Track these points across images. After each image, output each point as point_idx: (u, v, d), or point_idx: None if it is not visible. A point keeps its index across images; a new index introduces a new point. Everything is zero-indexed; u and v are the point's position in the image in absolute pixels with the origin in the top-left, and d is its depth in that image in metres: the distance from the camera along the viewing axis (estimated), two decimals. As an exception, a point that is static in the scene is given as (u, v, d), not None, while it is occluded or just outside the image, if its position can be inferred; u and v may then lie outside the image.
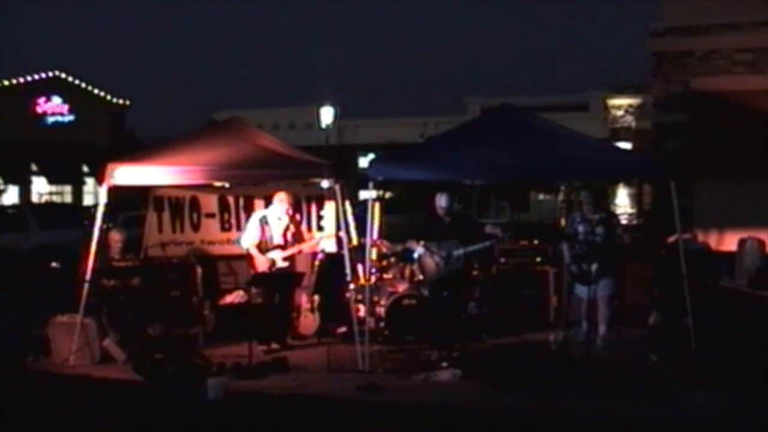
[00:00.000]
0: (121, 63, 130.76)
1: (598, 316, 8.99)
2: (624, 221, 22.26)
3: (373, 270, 9.32)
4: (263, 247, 9.25)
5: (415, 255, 9.21)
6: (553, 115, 21.29)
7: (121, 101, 40.61)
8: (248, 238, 9.33)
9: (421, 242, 9.12)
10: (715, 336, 8.22)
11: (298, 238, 9.50)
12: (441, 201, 8.96)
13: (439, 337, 8.67)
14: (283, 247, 9.28)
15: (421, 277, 9.63)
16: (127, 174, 8.64)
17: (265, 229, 9.28)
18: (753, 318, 8.32)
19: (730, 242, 10.93)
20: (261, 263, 9.23)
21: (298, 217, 9.94)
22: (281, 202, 9.33)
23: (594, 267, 8.64)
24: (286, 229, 9.36)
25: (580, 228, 9.08)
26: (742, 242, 9.68)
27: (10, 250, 17.01)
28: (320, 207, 10.59)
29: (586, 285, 8.80)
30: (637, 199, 28.30)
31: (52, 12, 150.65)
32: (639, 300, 10.04)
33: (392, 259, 10.13)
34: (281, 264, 9.28)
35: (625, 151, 15.79)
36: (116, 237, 9.31)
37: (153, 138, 32.55)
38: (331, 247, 10.18)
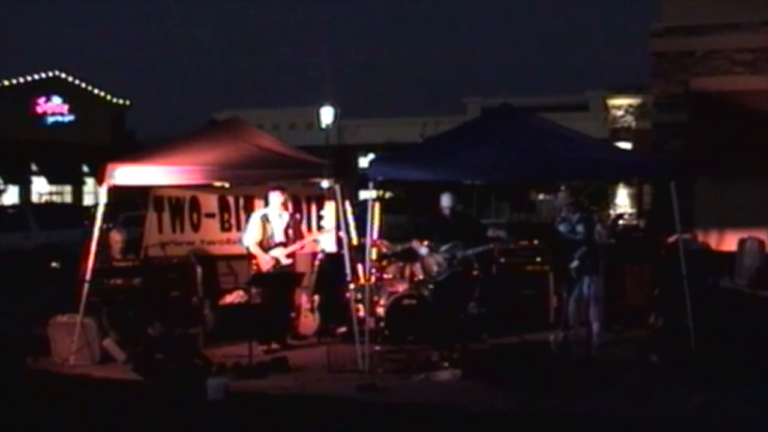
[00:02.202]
0: (121, 63, 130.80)
1: (590, 314, 9.06)
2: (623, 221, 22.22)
3: (373, 270, 9.31)
4: (265, 245, 9.25)
5: (422, 253, 9.16)
6: (553, 115, 21.38)
7: (121, 101, 40.66)
8: (250, 237, 9.33)
9: (425, 242, 9.13)
10: (715, 336, 8.22)
11: (298, 234, 9.50)
12: (445, 201, 8.98)
13: (440, 337, 8.68)
14: (285, 245, 9.29)
15: (421, 276, 9.63)
16: (127, 174, 8.64)
17: (267, 227, 9.29)
18: (753, 318, 8.32)
19: (730, 242, 10.94)
20: (264, 262, 9.23)
21: (297, 215, 9.95)
22: (278, 197, 9.32)
23: (575, 264, 8.90)
24: (287, 226, 9.36)
25: (561, 227, 9.28)
26: (742, 242, 9.70)
27: (10, 250, 17.01)
28: (320, 207, 10.58)
29: (566, 281, 9.02)
30: (637, 199, 28.26)
31: (51, 12, 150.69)
32: (639, 300, 10.05)
33: (392, 259, 10.13)
34: (284, 261, 9.28)
35: (625, 151, 15.78)
36: (117, 237, 9.31)
37: (153, 138, 32.60)
38: (331, 247, 10.18)
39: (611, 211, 28.73)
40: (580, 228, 9.13)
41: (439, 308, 8.97)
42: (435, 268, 8.88)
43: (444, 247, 8.81)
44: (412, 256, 9.87)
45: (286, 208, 9.48)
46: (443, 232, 8.89)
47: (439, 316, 8.88)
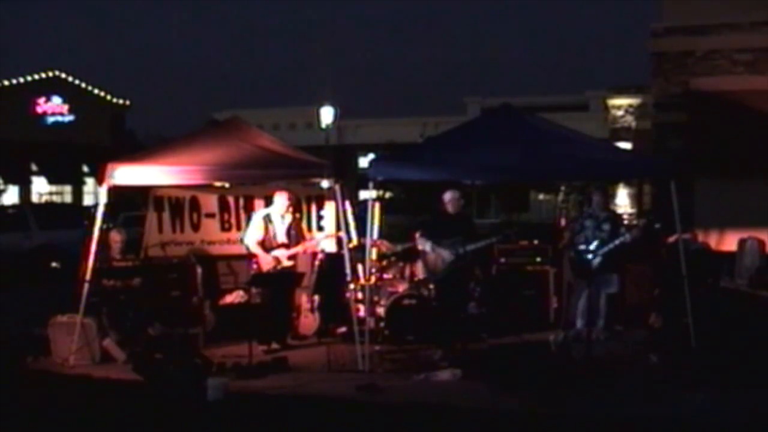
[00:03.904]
0: (121, 63, 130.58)
1: (599, 311, 9.08)
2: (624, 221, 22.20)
3: (373, 270, 9.32)
4: (266, 245, 9.25)
5: (427, 249, 9.13)
6: (553, 115, 21.36)
7: (121, 101, 40.67)
8: (252, 236, 9.32)
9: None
10: (715, 336, 8.22)
11: (300, 236, 9.50)
12: (453, 195, 8.99)
13: (443, 335, 8.68)
14: (287, 246, 9.28)
15: (421, 276, 9.63)
16: (127, 174, 8.64)
17: (269, 227, 9.29)
18: (753, 318, 8.32)
19: (730, 242, 10.94)
20: (266, 262, 9.23)
21: (297, 215, 9.96)
22: (283, 198, 9.32)
23: (598, 260, 9.01)
24: (289, 228, 9.36)
25: (587, 223, 9.36)
26: (742, 242, 9.70)
27: (10, 250, 17.02)
28: (320, 207, 10.59)
29: (583, 276, 9.06)
30: (637, 199, 28.24)
31: (52, 11, 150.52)
32: (639, 300, 10.05)
33: (392, 259, 10.14)
34: (286, 263, 9.28)
35: (625, 151, 15.78)
36: (116, 237, 9.31)
37: (153, 138, 32.63)
38: (331, 247, 10.18)
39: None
40: (606, 226, 9.28)
41: (440, 308, 8.97)
42: (441, 265, 8.86)
43: (446, 243, 8.82)
44: (412, 256, 9.87)
45: (290, 211, 9.47)
46: (447, 229, 8.88)
47: (440, 315, 8.88)
